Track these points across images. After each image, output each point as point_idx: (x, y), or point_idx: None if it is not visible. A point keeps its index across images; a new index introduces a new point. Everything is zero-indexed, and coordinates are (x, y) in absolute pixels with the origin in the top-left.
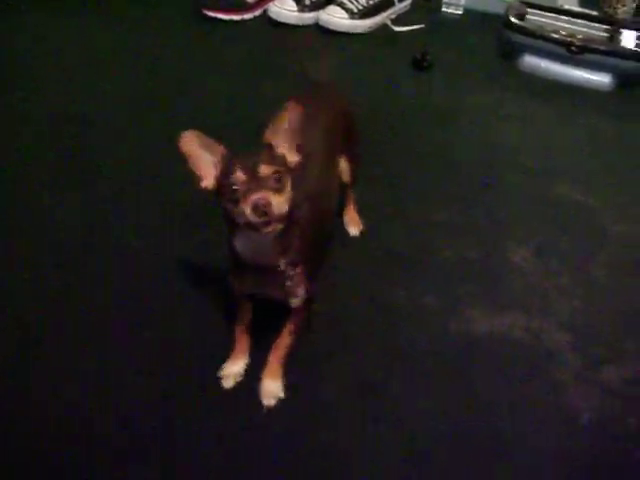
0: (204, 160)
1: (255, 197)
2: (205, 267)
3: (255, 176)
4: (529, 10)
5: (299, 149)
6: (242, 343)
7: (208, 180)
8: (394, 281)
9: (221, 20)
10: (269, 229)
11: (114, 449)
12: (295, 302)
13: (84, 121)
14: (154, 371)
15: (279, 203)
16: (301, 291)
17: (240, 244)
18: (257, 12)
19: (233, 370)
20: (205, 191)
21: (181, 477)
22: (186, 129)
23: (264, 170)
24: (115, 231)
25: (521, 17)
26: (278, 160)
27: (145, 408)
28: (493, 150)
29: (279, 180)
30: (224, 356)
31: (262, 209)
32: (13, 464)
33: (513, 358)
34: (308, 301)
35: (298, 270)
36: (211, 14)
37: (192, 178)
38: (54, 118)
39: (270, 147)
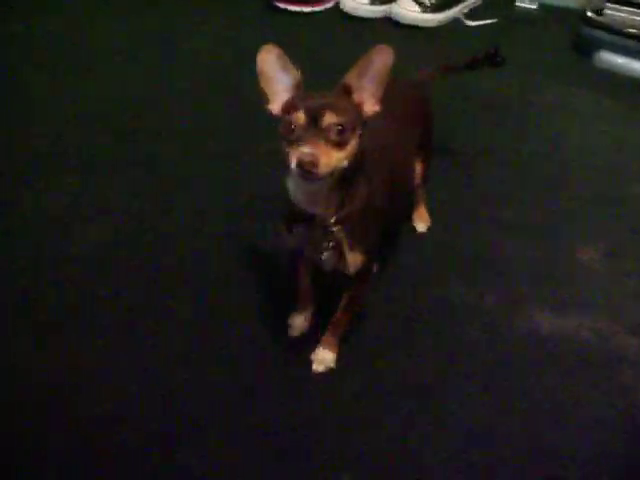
0: (277, 82)
1: (304, 150)
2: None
3: (316, 122)
4: (608, 4)
5: (380, 100)
6: (305, 297)
7: (276, 104)
8: (459, 279)
9: (291, 12)
10: (314, 183)
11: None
12: (347, 270)
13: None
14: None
15: (333, 159)
16: (354, 259)
17: (292, 185)
18: (328, 4)
19: (298, 321)
20: (270, 114)
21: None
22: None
23: (328, 119)
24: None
25: (599, 11)
26: (350, 109)
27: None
28: (564, 147)
29: (341, 133)
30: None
31: (307, 166)
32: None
33: (579, 360)
34: (363, 274)
35: (354, 233)
36: (281, 5)
37: (261, 96)
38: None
39: (347, 90)
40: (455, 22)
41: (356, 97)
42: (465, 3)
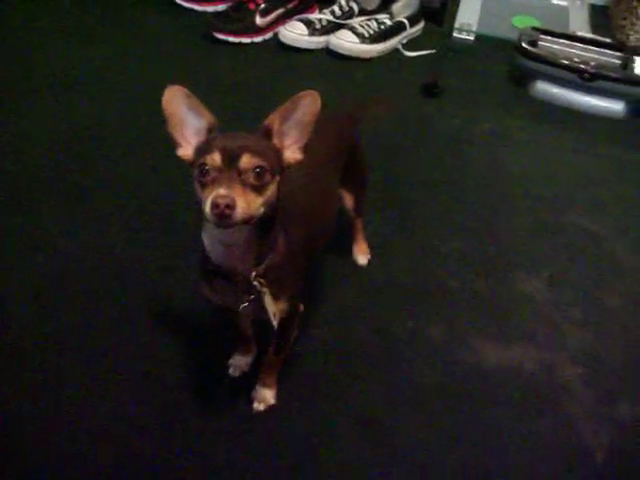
0: (187, 124)
1: (220, 191)
2: None
3: (233, 164)
4: (541, 36)
5: (303, 148)
6: (244, 339)
7: (185, 149)
8: (401, 312)
9: (231, 42)
10: (230, 232)
11: None
12: (270, 321)
13: (91, 138)
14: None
15: (250, 204)
16: (278, 308)
17: (207, 238)
18: (267, 35)
19: (240, 362)
20: (181, 160)
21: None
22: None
23: (245, 160)
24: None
25: (533, 43)
26: (269, 152)
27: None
28: (503, 178)
29: (259, 176)
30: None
31: (222, 209)
32: None
33: (523, 391)
34: (288, 320)
35: (277, 285)
36: (221, 36)
37: (170, 142)
38: (59, 136)
39: (267, 133)
40: (394, 53)
41: (277, 142)
42: (403, 34)
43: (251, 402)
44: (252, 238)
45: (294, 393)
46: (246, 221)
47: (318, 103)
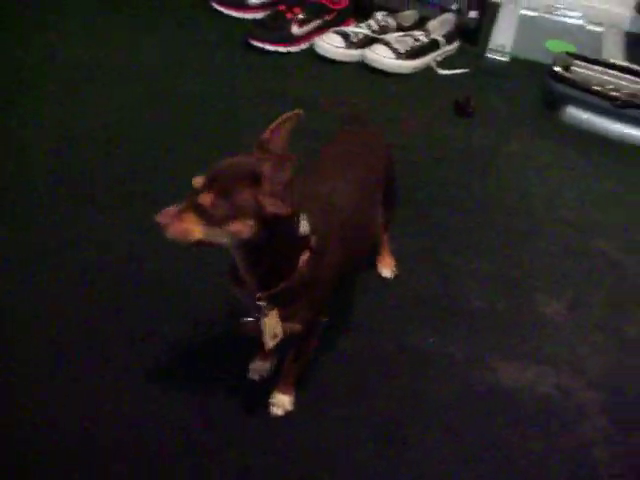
0: None
1: (166, 209)
2: None
3: (198, 190)
4: (575, 61)
5: (288, 204)
6: None
7: None
8: (422, 327)
9: (267, 51)
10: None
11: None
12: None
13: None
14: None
15: (190, 231)
16: (289, 328)
17: None
18: (303, 45)
19: (260, 366)
20: None
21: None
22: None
23: (202, 197)
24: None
25: (567, 68)
26: (241, 196)
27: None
28: (530, 200)
29: (211, 215)
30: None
31: (164, 229)
32: None
33: (539, 414)
34: (305, 336)
35: (290, 307)
36: (258, 44)
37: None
38: (83, 134)
39: (255, 178)
40: (427, 70)
41: (266, 187)
42: (438, 52)
43: (269, 407)
44: (247, 262)
45: (312, 401)
46: (197, 244)
47: (294, 164)
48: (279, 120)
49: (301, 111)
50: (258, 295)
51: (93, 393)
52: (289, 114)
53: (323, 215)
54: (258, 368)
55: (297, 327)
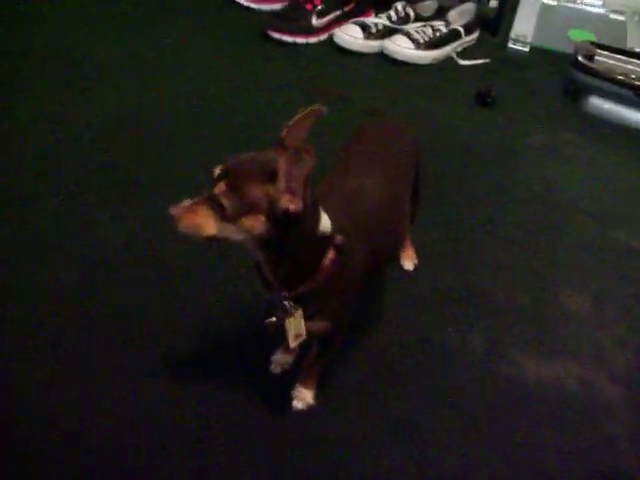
0: None
1: (181, 203)
2: None
3: (214, 184)
4: (598, 51)
5: (302, 199)
6: None
7: None
8: (445, 319)
9: (285, 42)
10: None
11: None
12: (292, 344)
13: (139, 128)
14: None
15: (203, 226)
16: (315, 327)
17: None
18: (322, 37)
19: (282, 359)
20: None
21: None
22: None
23: (218, 189)
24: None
25: (590, 58)
26: (254, 191)
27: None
28: (552, 192)
29: (224, 207)
30: None
31: (176, 222)
32: None
33: (563, 408)
34: (331, 334)
35: (317, 306)
36: (276, 35)
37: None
38: (101, 124)
39: (272, 175)
40: (448, 60)
41: (281, 185)
42: (458, 42)
43: (290, 400)
44: (268, 261)
45: (333, 395)
46: (210, 238)
47: (313, 160)
48: (298, 116)
49: (322, 107)
50: (284, 294)
51: (110, 390)
52: (309, 110)
53: (350, 213)
54: (280, 361)
55: (323, 326)
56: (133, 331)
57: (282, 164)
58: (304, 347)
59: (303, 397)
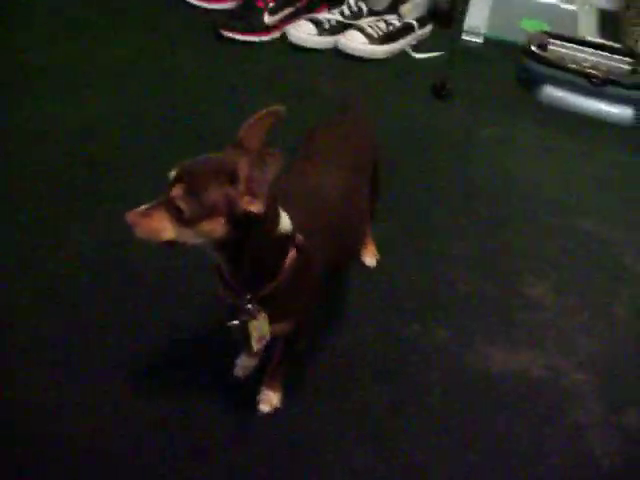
0: None
1: (138, 208)
2: None
3: (171, 187)
4: (551, 40)
5: (264, 202)
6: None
7: None
8: (408, 314)
9: (238, 41)
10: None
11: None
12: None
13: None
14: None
15: (161, 230)
16: (278, 328)
17: None
18: (275, 34)
19: (246, 362)
20: None
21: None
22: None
23: (174, 192)
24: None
25: (543, 47)
26: (213, 193)
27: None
28: (511, 182)
29: (181, 211)
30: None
31: (133, 227)
32: None
33: (531, 397)
34: (295, 334)
35: (279, 307)
36: (228, 34)
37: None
38: (70, 134)
39: (232, 177)
40: (402, 54)
41: (241, 187)
42: (412, 35)
43: (256, 404)
44: (229, 264)
45: (299, 396)
46: (168, 243)
47: (281, 163)
48: (255, 116)
49: (281, 107)
50: (247, 297)
51: (80, 397)
52: (266, 110)
53: (309, 212)
54: (244, 365)
55: (287, 328)
56: (95, 338)
57: (243, 165)
58: (268, 349)
59: (269, 400)
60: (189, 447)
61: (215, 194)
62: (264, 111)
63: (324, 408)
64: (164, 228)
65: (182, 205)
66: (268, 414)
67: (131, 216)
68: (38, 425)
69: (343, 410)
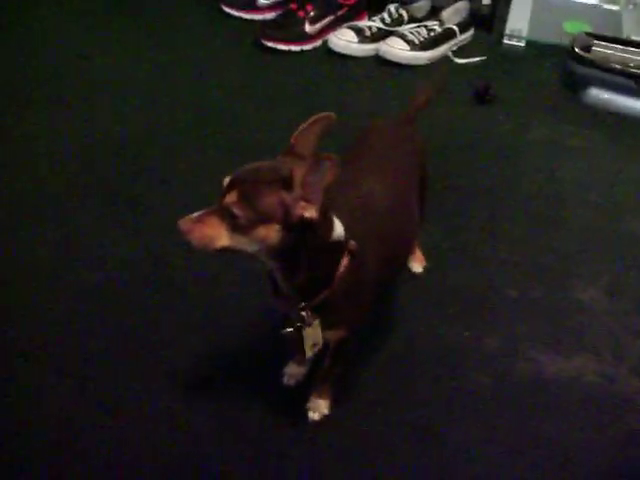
0: None
1: (189, 215)
2: None
3: (225, 194)
4: (595, 41)
5: (319, 209)
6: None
7: None
8: (457, 320)
9: (279, 51)
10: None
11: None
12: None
13: (140, 145)
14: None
15: (215, 238)
16: (332, 335)
17: None
18: (317, 43)
19: (295, 370)
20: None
21: None
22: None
23: (229, 198)
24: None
25: (587, 49)
26: (267, 200)
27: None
28: (558, 185)
29: (236, 218)
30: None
31: (186, 235)
32: None
33: (584, 404)
34: (346, 341)
35: (334, 314)
36: (270, 44)
37: None
38: (99, 144)
39: (287, 183)
40: (444, 60)
41: (297, 192)
42: (454, 41)
43: (305, 412)
44: (283, 272)
45: (349, 403)
46: (222, 250)
47: (338, 169)
48: (307, 122)
49: (332, 113)
50: (302, 306)
51: (133, 409)
52: (318, 116)
53: (361, 218)
54: (293, 372)
55: (341, 334)
56: (143, 349)
57: (298, 170)
58: (317, 357)
59: (318, 408)
60: (238, 456)
61: (270, 200)
62: (315, 117)
63: (374, 415)
64: (218, 235)
65: (237, 211)
66: (318, 421)
67: (184, 223)
68: (89, 440)
69: (393, 417)
